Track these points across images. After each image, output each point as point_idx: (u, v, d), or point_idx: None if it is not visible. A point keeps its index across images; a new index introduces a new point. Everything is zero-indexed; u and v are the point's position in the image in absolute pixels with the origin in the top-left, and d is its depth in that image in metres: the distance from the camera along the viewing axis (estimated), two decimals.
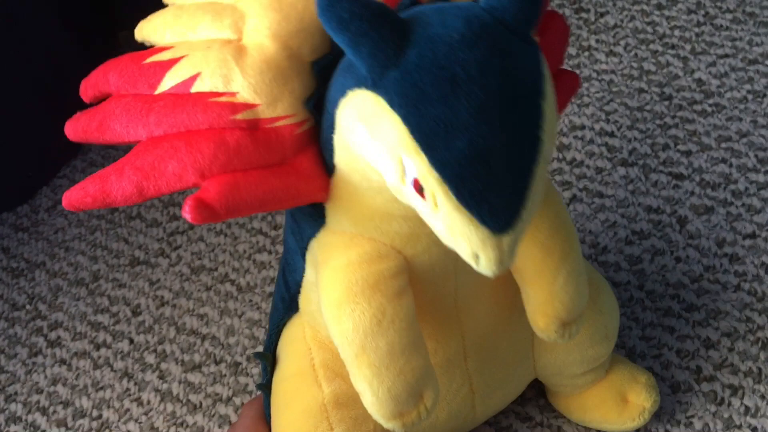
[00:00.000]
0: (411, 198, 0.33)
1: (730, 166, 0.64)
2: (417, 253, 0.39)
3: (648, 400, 0.49)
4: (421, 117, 0.31)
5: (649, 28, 0.76)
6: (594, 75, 0.73)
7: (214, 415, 0.56)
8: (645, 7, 0.78)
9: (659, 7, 0.78)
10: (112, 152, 0.76)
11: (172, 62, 0.36)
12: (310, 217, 0.40)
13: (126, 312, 0.63)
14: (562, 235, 0.41)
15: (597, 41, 0.76)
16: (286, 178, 0.36)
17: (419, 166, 0.31)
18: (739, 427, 0.51)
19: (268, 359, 0.46)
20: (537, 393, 0.54)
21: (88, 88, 0.39)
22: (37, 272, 0.67)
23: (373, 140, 0.33)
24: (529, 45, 0.33)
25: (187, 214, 0.34)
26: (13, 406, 0.59)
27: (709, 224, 0.61)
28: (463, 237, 0.32)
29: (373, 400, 0.38)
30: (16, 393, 0.60)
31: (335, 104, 0.34)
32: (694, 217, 0.61)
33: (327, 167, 0.38)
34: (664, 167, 0.65)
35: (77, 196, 0.36)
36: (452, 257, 0.35)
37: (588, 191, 0.64)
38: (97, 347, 0.61)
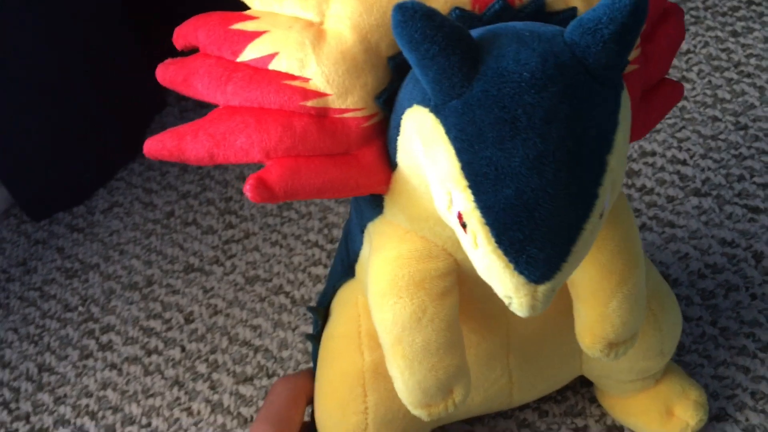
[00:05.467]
0: (455, 227, 0.33)
1: None
2: (467, 258, 0.39)
3: (694, 418, 0.48)
4: (474, 155, 0.31)
5: (723, 55, 0.74)
6: None
7: None
8: (719, 33, 0.76)
9: (734, 34, 0.76)
10: None
11: (255, 35, 0.36)
12: (370, 204, 0.40)
13: (179, 319, 0.62)
14: (624, 259, 0.39)
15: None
16: (347, 170, 0.37)
17: (465, 203, 0.31)
18: None
19: (320, 313, 0.47)
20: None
21: (179, 38, 0.40)
22: (91, 274, 0.67)
23: (427, 162, 0.33)
24: (610, 90, 0.32)
25: (248, 191, 0.35)
26: (62, 409, 0.58)
27: None
28: (498, 279, 0.32)
29: (402, 387, 0.39)
30: (65, 395, 0.59)
31: (402, 111, 0.34)
32: None
33: (390, 162, 0.38)
34: (740, 199, 0.62)
35: (156, 146, 0.37)
36: None
37: (658, 220, 0.62)
38: (149, 353, 0.60)
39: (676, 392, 0.48)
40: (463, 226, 0.32)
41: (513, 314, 0.43)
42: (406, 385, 0.39)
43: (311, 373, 0.48)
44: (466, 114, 0.31)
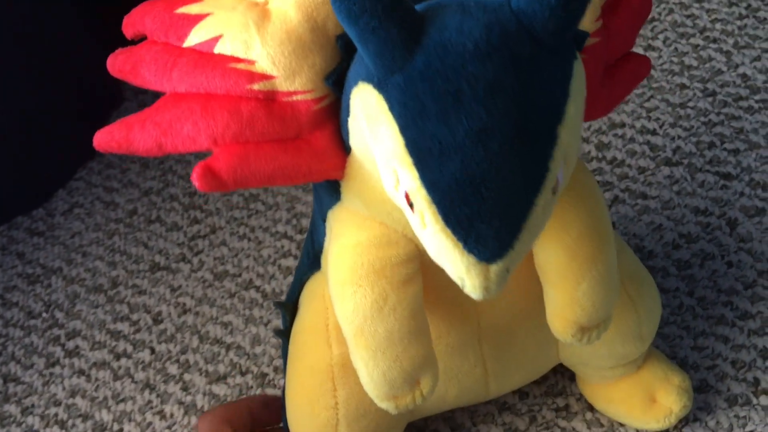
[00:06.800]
0: (403, 207, 0.32)
1: None
2: None
3: (677, 404, 0.47)
4: (417, 131, 0.30)
5: (688, 22, 0.73)
6: None
7: None
8: None
9: None
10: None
11: (199, 18, 0.35)
12: (327, 191, 0.39)
13: (147, 320, 0.60)
14: (592, 239, 0.38)
15: None
16: (299, 155, 0.36)
17: (410, 181, 0.30)
18: None
19: (288, 308, 0.46)
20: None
21: (128, 26, 0.39)
22: (54, 278, 0.65)
23: (372, 140, 0.32)
24: (560, 59, 0.31)
25: (195, 180, 0.34)
26: (30, 420, 0.56)
27: (761, 226, 0.57)
28: (448, 260, 0.31)
29: (367, 380, 0.38)
30: (33, 405, 0.57)
31: (350, 90, 0.33)
32: (745, 219, 0.58)
33: (345, 145, 0.36)
34: (711, 167, 0.61)
35: (105, 138, 0.37)
36: None
37: (631, 192, 0.61)
38: (117, 357, 0.59)
39: (659, 378, 0.47)
40: (411, 205, 0.31)
41: (482, 302, 0.42)
42: (371, 376, 0.38)
43: (232, 405, 0.47)
44: (408, 88, 0.30)
